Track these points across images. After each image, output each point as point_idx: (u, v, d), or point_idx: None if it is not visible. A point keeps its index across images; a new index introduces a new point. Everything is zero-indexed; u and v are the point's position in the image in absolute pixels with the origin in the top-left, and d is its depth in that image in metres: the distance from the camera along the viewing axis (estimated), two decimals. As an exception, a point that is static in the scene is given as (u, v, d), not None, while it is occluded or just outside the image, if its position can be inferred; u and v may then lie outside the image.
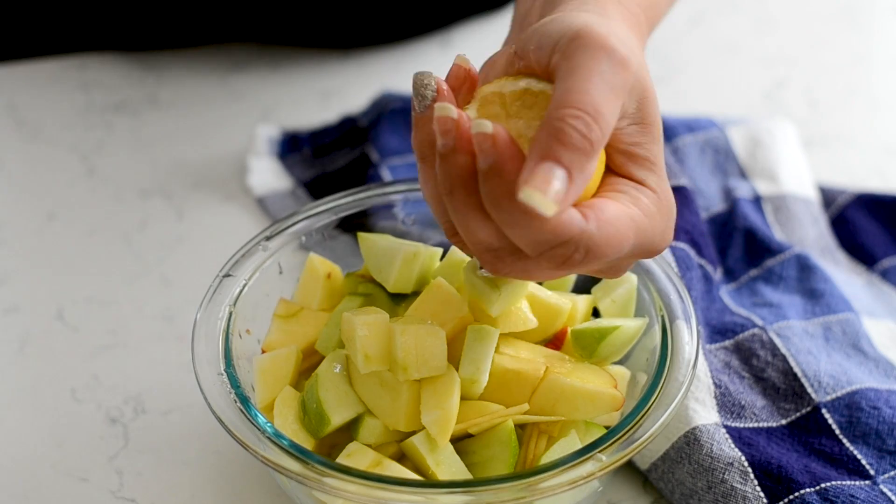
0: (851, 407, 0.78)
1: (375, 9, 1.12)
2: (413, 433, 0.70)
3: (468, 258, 0.77)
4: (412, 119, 0.66)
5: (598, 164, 0.63)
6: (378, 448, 0.71)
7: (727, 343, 0.82)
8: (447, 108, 0.62)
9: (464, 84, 0.66)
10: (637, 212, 0.64)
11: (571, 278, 0.81)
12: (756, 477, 0.74)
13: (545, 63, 0.64)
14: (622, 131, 0.65)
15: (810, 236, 0.93)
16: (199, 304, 0.75)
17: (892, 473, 0.76)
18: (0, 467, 0.79)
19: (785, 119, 1.03)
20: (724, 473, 0.74)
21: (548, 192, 0.58)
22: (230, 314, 0.75)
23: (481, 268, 0.71)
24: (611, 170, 0.66)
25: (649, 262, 0.78)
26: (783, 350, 0.81)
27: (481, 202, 0.62)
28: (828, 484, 0.74)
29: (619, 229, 0.63)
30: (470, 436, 0.71)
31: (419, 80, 0.65)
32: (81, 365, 0.86)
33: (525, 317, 0.73)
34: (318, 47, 1.14)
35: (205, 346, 0.73)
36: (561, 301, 0.75)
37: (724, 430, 0.76)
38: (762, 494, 0.73)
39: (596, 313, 0.78)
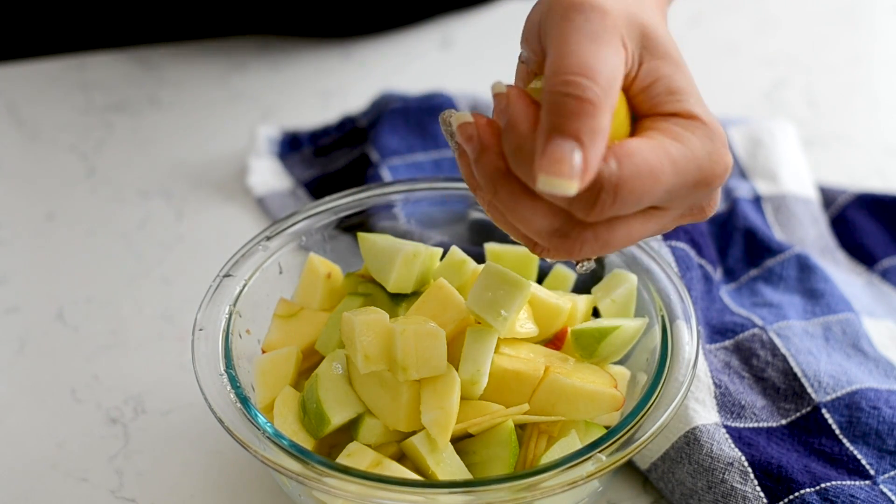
0: (851, 407, 0.78)
1: None
2: (413, 433, 0.70)
3: (468, 259, 0.77)
4: (457, 160, 0.64)
5: (617, 114, 0.61)
6: (378, 448, 0.71)
7: (727, 343, 0.82)
8: (464, 116, 0.61)
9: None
10: (667, 140, 0.61)
11: (571, 278, 0.81)
12: (756, 477, 0.74)
13: (540, 51, 0.62)
14: (637, 73, 0.63)
15: (810, 236, 0.93)
16: (199, 304, 0.75)
17: (892, 473, 0.76)
18: (0, 467, 0.79)
19: (785, 119, 1.03)
20: (724, 473, 0.74)
21: (563, 172, 0.57)
22: (230, 314, 0.75)
23: (577, 264, 0.68)
24: (644, 115, 0.64)
25: (649, 262, 0.78)
26: (783, 350, 0.81)
27: (524, 187, 0.60)
28: (828, 484, 0.74)
29: (647, 159, 0.59)
30: (470, 436, 0.71)
31: (442, 121, 0.64)
32: (81, 365, 0.86)
33: (524, 325, 0.73)
34: (316, 36, 1.14)
35: (205, 346, 0.73)
36: (561, 301, 0.75)
37: (724, 430, 0.76)
38: (762, 494, 0.73)
39: (596, 313, 0.78)
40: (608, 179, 0.59)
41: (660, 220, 0.63)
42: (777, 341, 0.81)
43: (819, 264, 0.88)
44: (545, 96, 0.58)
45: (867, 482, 0.75)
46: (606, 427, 0.73)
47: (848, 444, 0.77)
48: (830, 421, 0.78)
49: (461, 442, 0.71)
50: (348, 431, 0.72)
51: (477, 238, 0.84)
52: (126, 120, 1.08)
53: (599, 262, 0.80)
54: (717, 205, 0.66)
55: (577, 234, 0.61)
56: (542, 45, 0.62)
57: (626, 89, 0.63)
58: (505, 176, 0.61)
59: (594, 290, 0.79)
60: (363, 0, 1.13)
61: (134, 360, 0.86)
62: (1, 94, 1.10)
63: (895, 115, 1.10)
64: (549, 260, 0.67)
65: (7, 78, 1.11)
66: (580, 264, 0.67)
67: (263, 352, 0.77)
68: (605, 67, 0.59)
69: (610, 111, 0.58)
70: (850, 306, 0.85)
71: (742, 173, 0.96)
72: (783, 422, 0.79)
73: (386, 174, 0.96)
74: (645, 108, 0.63)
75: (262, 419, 0.69)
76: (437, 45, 1.15)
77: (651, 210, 0.63)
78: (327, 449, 0.72)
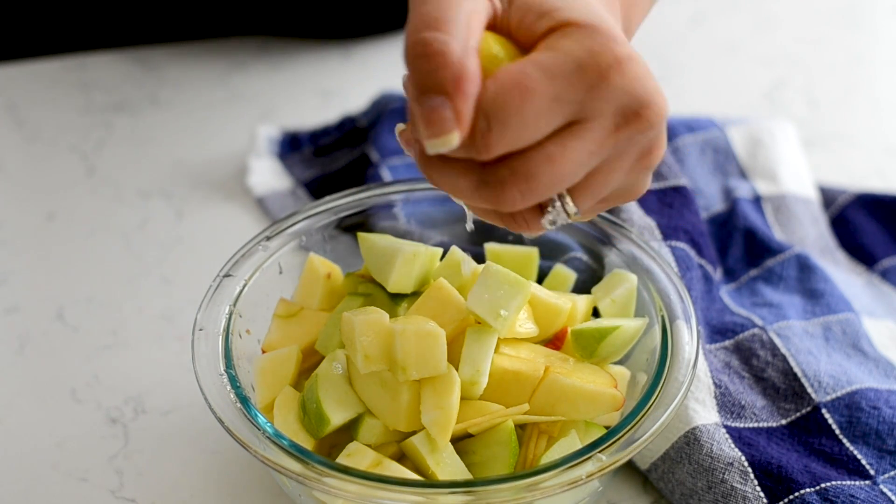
0: (851, 407, 0.78)
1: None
2: (413, 433, 0.70)
3: (467, 259, 0.77)
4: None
5: (493, 57, 0.60)
6: (378, 448, 0.71)
7: (727, 343, 0.82)
8: (398, 127, 0.62)
9: None
10: (535, 53, 0.59)
11: (571, 278, 0.81)
12: (756, 477, 0.74)
13: None
14: (508, 11, 0.61)
15: (810, 236, 0.93)
16: (199, 304, 0.76)
17: (892, 473, 0.76)
18: (0, 467, 0.79)
19: (785, 119, 1.03)
20: (724, 473, 0.74)
21: (437, 130, 0.56)
22: (230, 314, 0.75)
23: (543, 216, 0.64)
24: (529, 47, 0.62)
25: (649, 262, 0.78)
26: (783, 350, 0.81)
27: (439, 159, 0.60)
28: (828, 484, 0.74)
29: (510, 74, 0.58)
30: (470, 436, 0.71)
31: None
32: (81, 365, 0.86)
33: (524, 325, 0.73)
34: (316, 37, 1.14)
35: (205, 346, 0.73)
36: (561, 301, 0.75)
37: (724, 430, 0.76)
38: (762, 494, 0.73)
39: (596, 313, 0.78)
40: (479, 103, 0.57)
41: (583, 136, 0.59)
42: (777, 341, 0.81)
43: (819, 264, 0.88)
44: (405, 60, 0.58)
45: (867, 482, 0.75)
46: (606, 427, 0.73)
47: (848, 444, 0.77)
48: (830, 421, 0.78)
49: (461, 442, 0.71)
50: (348, 431, 0.72)
51: (477, 238, 0.84)
52: (126, 120, 1.08)
53: (593, 250, 0.80)
54: (660, 111, 0.60)
55: (493, 176, 0.59)
56: None
57: (505, 30, 0.62)
58: (426, 157, 0.61)
59: (594, 290, 0.79)
60: (363, 1, 1.13)
61: (134, 360, 0.86)
62: (1, 94, 1.10)
63: (895, 115, 1.10)
64: (526, 235, 0.65)
65: (7, 78, 1.11)
66: (545, 218, 0.63)
67: (263, 352, 0.77)
68: (452, 14, 0.57)
69: (470, 54, 0.57)
70: (850, 306, 0.85)
71: (742, 173, 0.96)
72: (783, 422, 0.79)
73: (386, 174, 0.96)
74: (526, 41, 0.61)
75: (262, 419, 0.69)
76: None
77: (567, 128, 0.59)
78: (327, 449, 0.72)
